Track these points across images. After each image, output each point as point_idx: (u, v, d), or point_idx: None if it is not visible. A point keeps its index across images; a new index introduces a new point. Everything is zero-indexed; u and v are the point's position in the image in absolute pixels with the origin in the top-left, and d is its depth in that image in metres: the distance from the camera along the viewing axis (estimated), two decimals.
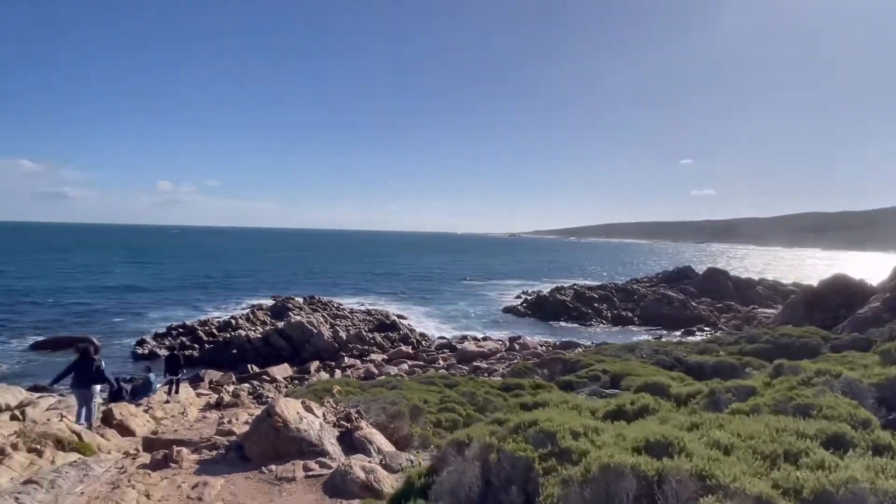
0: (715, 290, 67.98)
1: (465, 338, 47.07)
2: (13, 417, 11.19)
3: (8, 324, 45.76)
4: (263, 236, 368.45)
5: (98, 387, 12.32)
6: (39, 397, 18.83)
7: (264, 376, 32.68)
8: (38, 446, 8.61)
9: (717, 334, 40.50)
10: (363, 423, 9.91)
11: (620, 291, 66.85)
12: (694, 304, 60.58)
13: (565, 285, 76.43)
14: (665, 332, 52.70)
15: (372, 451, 9.30)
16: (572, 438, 4.07)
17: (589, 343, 43.91)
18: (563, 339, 46.15)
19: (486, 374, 30.42)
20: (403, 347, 43.04)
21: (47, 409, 14.77)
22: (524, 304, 66.55)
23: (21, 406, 15.88)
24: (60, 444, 8.97)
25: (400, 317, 54.08)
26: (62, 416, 12.31)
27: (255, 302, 60.47)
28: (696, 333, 50.60)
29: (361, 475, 7.72)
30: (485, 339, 46.14)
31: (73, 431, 9.82)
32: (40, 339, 40.45)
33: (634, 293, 65.53)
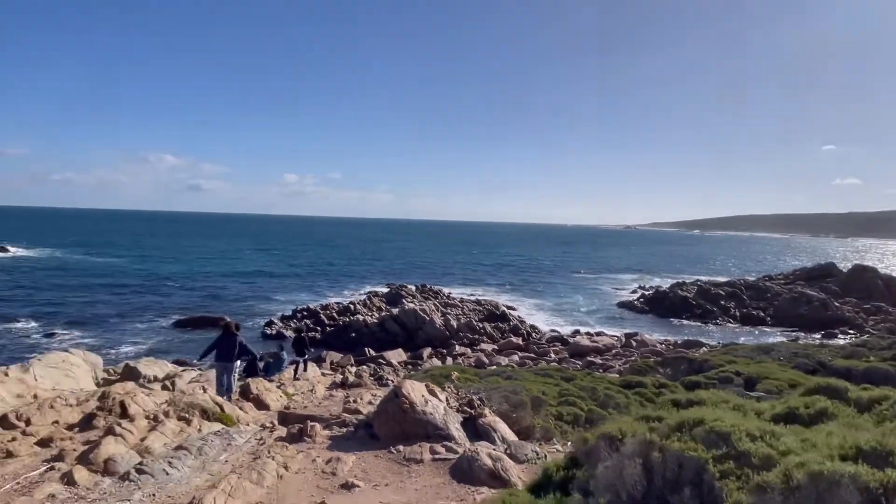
0: (862, 289, 61.12)
1: (577, 332, 45.84)
2: (164, 387, 12.17)
3: (154, 304, 50.73)
4: (379, 226, 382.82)
5: (238, 361, 13.19)
6: (183, 370, 20.62)
7: (380, 360, 33.76)
8: (187, 415, 9.25)
9: (865, 338, 36.39)
10: (487, 411, 9.75)
11: (751, 289, 61.96)
12: (837, 304, 54.85)
13: (687, 281, 72.24)
14: (802, 333, 48.16)
15: (496, 439, 9.11)
16: (749, 441, 3.57)
17: (714, 343, 41.14)
18: (685, 338, 43.57)
19: (600, 370, 29.37)
20: (513, 338, 42.70)
21: (189, 382, 16.07)
22: (641, 300, 63.68)
23: (168, 378, 17.43)
24: (205, 414, 9.58)
25: (510, 308, 53.72)
26: (204, 388, 13.27)
27: (372, 289, 62.78)
28: (839, 336, 45.79)
29: (489, 462, 7.55)
30: (598, 334, 44.65)
31: (216, 403, 10.50)
32: (182, 318, 44.46)
33: (767, 291, 60.47)
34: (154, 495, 6.14)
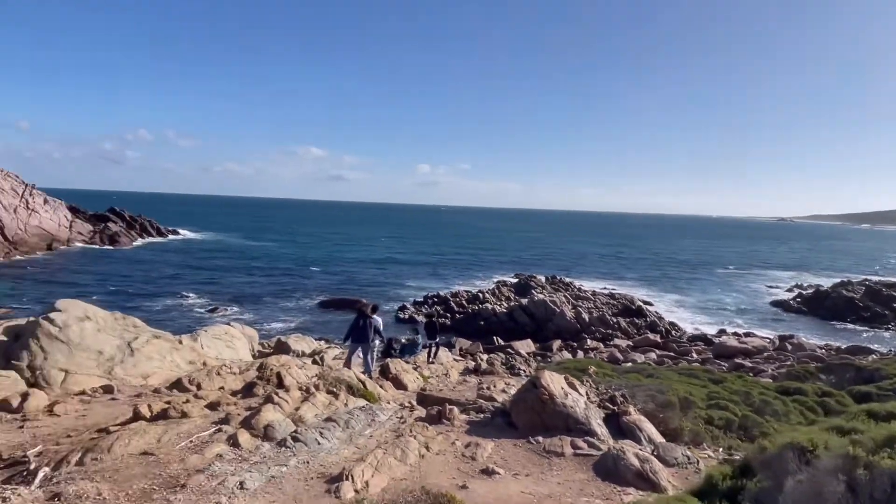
0: None
1: (723, 332, 42.62)
2: (314, 362, 12.91)
3: (299, 286, 54.69)
4: (508, 216, 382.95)
5: (377, 342, 13.70)
6: (328, 347, 21.94)
7: (509, 349, 33.68)
8: (335, 389, 9.70)
9: None
10: (631, 409, 9.24)
11: None
12: None
13: (853, 280, 64.40)
14: None
15: (642, 438, 8.60)
16: None
17: (886, 350, 36.28)
18: (850, 343, 38.85)
19: (750, 374, 26.99)
20: (650, 335, 40.62)
21: (334, 359, 17.02)
22: (798, 299, 57.79)
23: (314, 354, 18.61)
24: (351, 390, 10.00)
25: (646, 303, 51.20)
26: (348, 365, 13.94)
27: (500, 278, 62.89)
28: None
29: (636, 462, 7.11)
30: (748, 334, 41.18)
31: (360, 379, 10.94)
32: (325, 299, 47.48)
33: None
34: (308, 462, 6.46)
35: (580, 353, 33.94)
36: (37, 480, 5.44)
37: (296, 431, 7.24)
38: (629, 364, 26.41)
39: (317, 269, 67.05)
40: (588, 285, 60.38)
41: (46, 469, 5.75)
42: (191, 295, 47.28)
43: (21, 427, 7.48)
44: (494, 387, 12.48)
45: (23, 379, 9.86)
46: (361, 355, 14.19)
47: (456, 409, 8.97)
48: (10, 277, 49.88)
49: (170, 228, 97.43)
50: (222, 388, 10.27)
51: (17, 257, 60.41)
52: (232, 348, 17.72)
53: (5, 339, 11.24)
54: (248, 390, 9.65)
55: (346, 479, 5.94)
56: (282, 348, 19.00)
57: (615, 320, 42.54)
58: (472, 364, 17.49)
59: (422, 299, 48.83)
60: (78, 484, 5.27)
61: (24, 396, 8.45)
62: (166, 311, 41.34)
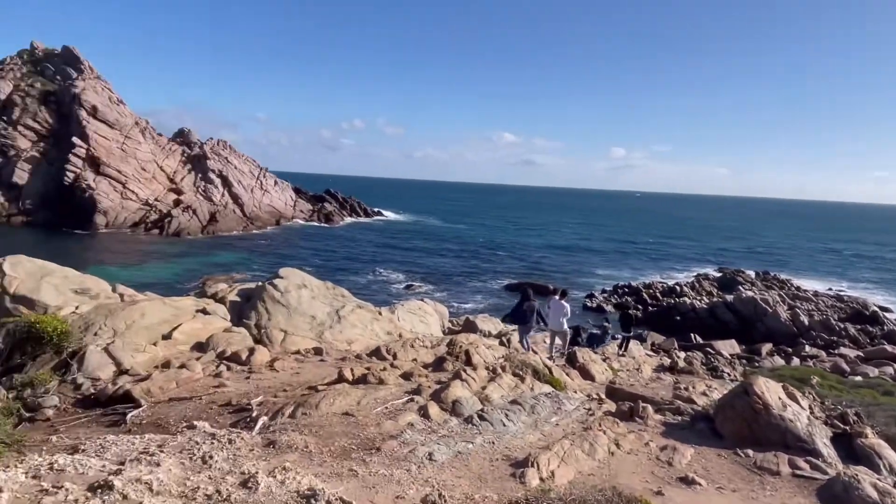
0: None
1: None
2: (500, 343, 12.99)
3: (488, 268, 56.02)
4: (713, 204, 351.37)
5: (566, 328, 13.44)
6: (513, 330, 22.06)
7: (708, 348, 30.90)
8: (521, 372, 9.59)
9: None
10: (868, 431, 7.76)
11: None
12: None
13: None
14: None
15: (882, 467, 7.18)
16: None
17: None
18: None
19: None
20: (888, 347, 34.38)
21: (518, 341, 16.99)
22: None
23: (500, 335, 18.80)
24: (537, 375, 9.82)
25: (883, 309, 43.52)
26: (534, 350, 13.81)
27: (701, 271, 58.08)
28: None
29: (873, 494, 5.93)
30: None
31: (546, 365, 10.72)
32: (511, 282, 47.99)
33: None
34: (493, 443, 6.42)
35: (795, 360, 29.96)
36: (257, 427, 6.11)
37: (482, 410, 7.26)
38: (858, 378, 22.62)
39: (504, 252, 68.10)
40: (808, 284, 53.12)
41: (265, 418, 6.45)
42: (389, 271, 51.07)
43: (247, 378, 8.55)
44: (693, 388, 11.41)
45: (251, 335, 11.32)
46: (522, 334, 14.06)
47: (650, 408, 8.32)
48: (245, 248, 58.58)
49: (374, 209, 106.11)
50: (415, 359, 10.76)
51: (253, 231, 70.62)
52: (425, 323, 18.67)
53: (238, 299, 13.01)
54: (438, 364, 9.97)
55: (532, 465, 5.76)
56: (470, 327, 19.52)
57: (842, 326, 36.84)
58: (666, 361, 16.29)
59: (611, 289, 47.03)
60: (289, 435, 5.81)
61: (251, 351, 9.65)
62: (367, 284, 45.14)
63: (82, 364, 8.27)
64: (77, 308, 10.64)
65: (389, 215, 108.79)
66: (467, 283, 48.39)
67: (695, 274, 55.74)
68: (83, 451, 4.85)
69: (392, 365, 9.79)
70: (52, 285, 11.35)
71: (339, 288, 15.41)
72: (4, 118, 65.74)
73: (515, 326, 16.07)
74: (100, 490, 3.74)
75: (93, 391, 7.57)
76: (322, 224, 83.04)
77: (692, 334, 34.43)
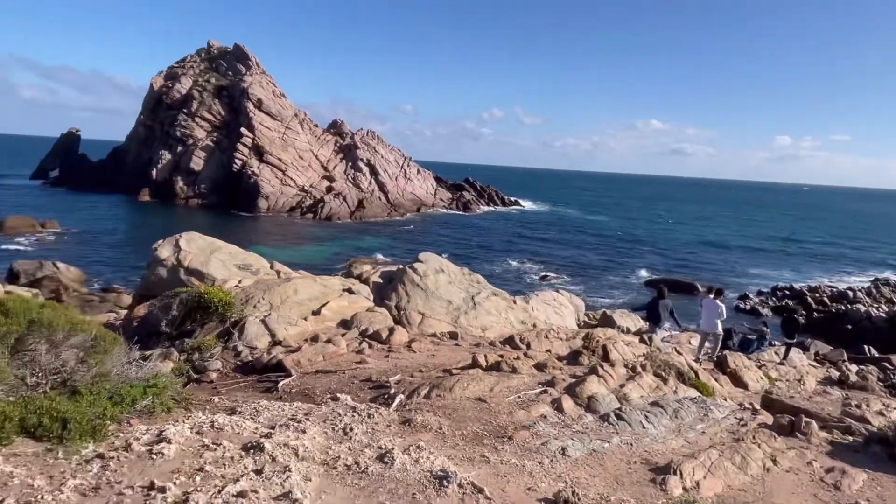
0: None
1: None
2: (641, 341, 12.34)
3: (627, 262, 53.58)
4: None
5: (720, 329, 12.58)
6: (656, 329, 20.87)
7: (885, 363, 27.05)
8: (663, 373, 9.03)
9: None
10: None
11: None
12: None
13: None
14: None
15: None
16: None
17: None
18: None
19: None
20: None
21: (662, 340, 16.03)
22: None
23: (639, 332, 17.86)
24: (681, 377, 9.19)
25: None
26: (677, 350, 12.94)
27: (880, 275, 51.04)
28: None
29: None
30: None
31: (691, 367, 10.00)
32: (653, 278, 45.52)
33: None
34: (631, 445, 6.09)
35: None
36: (394, 404, 6.32)
37: (620, 409, 6.92)
38: None
39: (646, 247, 64.76)
40: None
41: (402, 396, 6.65)
42: (524, 260, 50.73)
43: (387, 356, 8.89)
44: (868, 406, 10.02)
45: (391, 316, 11.77)
46: (700, 342, 13.29)
47: (814, 424, 7.43)
48: (388, 233, 61.39)
49: (511, 199, 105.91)
50: (549, 350, 10.55)
51: (396, 217, 73.82)
52: (559, 314, 18.29)
53: (381, 281, 13.59)
54: (573, 358, 9.69)
55: (674, 473, 5.38)
56: (607, 322, 18.82)
57: None
58: (834, 374, 14.50)
59: (768, 290, 42.89)
60: (424, 415, 5.93)
61: (391, 331, 10.02)
62: (501, 272, 45.22)
63: (242, 333, 9.11)
64: (240, 282, 11.75)
65: (526, 205, 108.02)
66: (605, 277, 46.71)
67: (872, 278, 49.14)
68: (240, 413, 5.31)
69: (525, 354, 9.67)
70: (219, 260, 12.65)
71: (475, 274, 15.55)
72: (185, 111, 74.54)
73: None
74: (252, 451, 4.05)
75: (250, 359, 8.32)
76: (460, 212, 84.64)
77: (866, 346, 30.37)
